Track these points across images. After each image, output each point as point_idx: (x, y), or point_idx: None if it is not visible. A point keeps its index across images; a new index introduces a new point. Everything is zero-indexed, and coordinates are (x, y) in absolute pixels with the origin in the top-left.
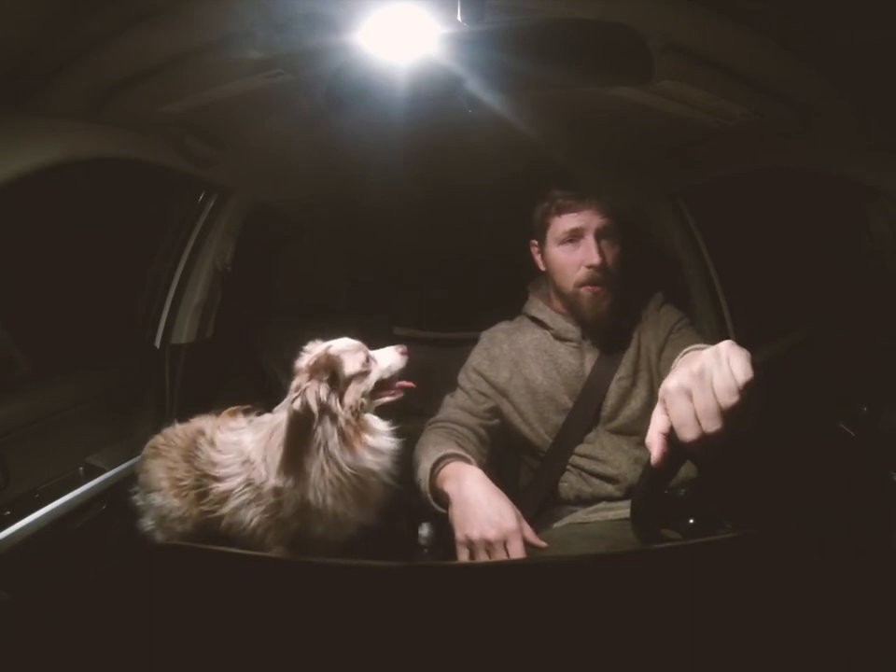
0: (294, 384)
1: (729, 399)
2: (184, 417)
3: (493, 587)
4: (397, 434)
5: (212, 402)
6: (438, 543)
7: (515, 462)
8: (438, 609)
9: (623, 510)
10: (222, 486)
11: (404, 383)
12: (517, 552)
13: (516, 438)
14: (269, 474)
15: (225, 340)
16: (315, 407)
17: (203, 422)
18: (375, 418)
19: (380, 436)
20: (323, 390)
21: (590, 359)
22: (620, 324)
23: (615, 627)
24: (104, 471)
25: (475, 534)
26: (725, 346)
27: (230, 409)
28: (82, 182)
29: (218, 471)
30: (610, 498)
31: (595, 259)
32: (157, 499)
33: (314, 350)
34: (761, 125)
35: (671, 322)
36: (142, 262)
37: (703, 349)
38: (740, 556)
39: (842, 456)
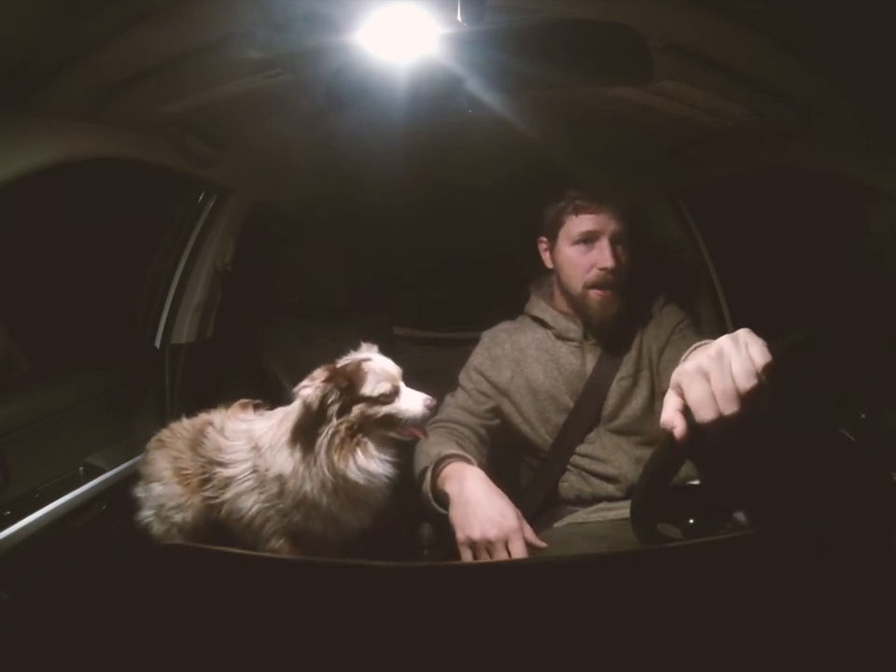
0: (315, 373)
1: (747, 383)
2: (184, 417)
3: (492, 587)
4: (394, 464)
5: (212, 402)
6: (437, 544)
7: (515, 462)
8: (438, 609)
9: (623, 509)
10: (226, 472)
11: (417, 431)
12: (519, 551)
13: (517, 438)
14: (273, 460)
15: (225, 340)
16: (314, 404)
17: (213, 415)
18: (371, 444)
19: (371, 459)
20: (331, 394)
21: (591, 359)
22: (622, 324)
23: (615, 627)
24: (104, 471)
25: (476, 534)
26: (743, 333)
27: (241, 401)
28: (82, 182)
29: (224, 457)
30: (611, 498)
31: (610, 263)
32: (157, 489)
33: (356, 355)
34: (761, 125)
35: (673, 323)
36: (142, 262)
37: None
38: (740, 556)
39: (842, 456)
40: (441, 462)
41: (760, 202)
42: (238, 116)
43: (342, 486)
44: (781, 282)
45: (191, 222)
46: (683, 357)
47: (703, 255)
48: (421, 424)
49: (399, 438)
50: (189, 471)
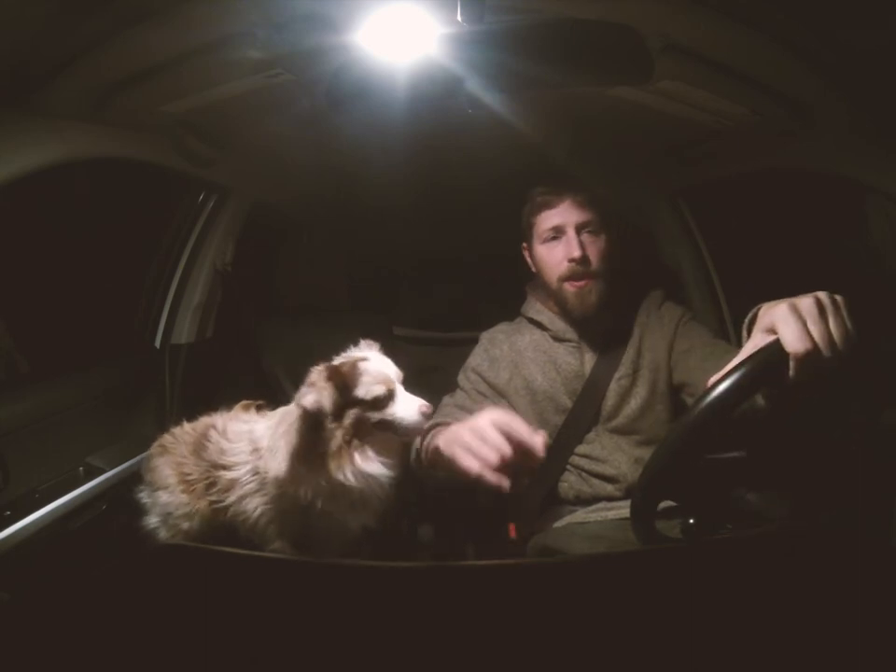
0: (310, 378)
1: (843, 337)
2: (184, 417)
3: (492, 587)
4: (393, 465)
5: (212, 402)
6: (438, 543)
7: None
8: (437, 608)
9: (622, 509)
10: (230, 475)
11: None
12: (520, 427)
13: None
14: (271, 463)
15: (225, 340)
16: (312, 407)
17: (215, 418)
18: (370, 449)
19: (370, 462)
20: (327, 397)
21: (589, 359)
22: (619, 323)
23: (614, 627)
24: (104, 471)
25: (466, 436)
26: (840, 298)
27: (243, 402)
28: (82, 182)
29: (227, 459)
30: (610, 498)
31: (576, 253)
32: (163, 497)
33: (353, 353)
34: (761, 125)
35: (675, 317)
36: (142, 262)
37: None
38: (740, 556)
39: (842, 456)
40: (429, 430)
41: (760, 201)
42: (238, 116)
43: (339, 491)
44: (781, 282)
45: (191, 222)
46: (756, 315)
47: (703, 255)
48: (417, 430)
49: (399, 437)
50: (194, 476)
